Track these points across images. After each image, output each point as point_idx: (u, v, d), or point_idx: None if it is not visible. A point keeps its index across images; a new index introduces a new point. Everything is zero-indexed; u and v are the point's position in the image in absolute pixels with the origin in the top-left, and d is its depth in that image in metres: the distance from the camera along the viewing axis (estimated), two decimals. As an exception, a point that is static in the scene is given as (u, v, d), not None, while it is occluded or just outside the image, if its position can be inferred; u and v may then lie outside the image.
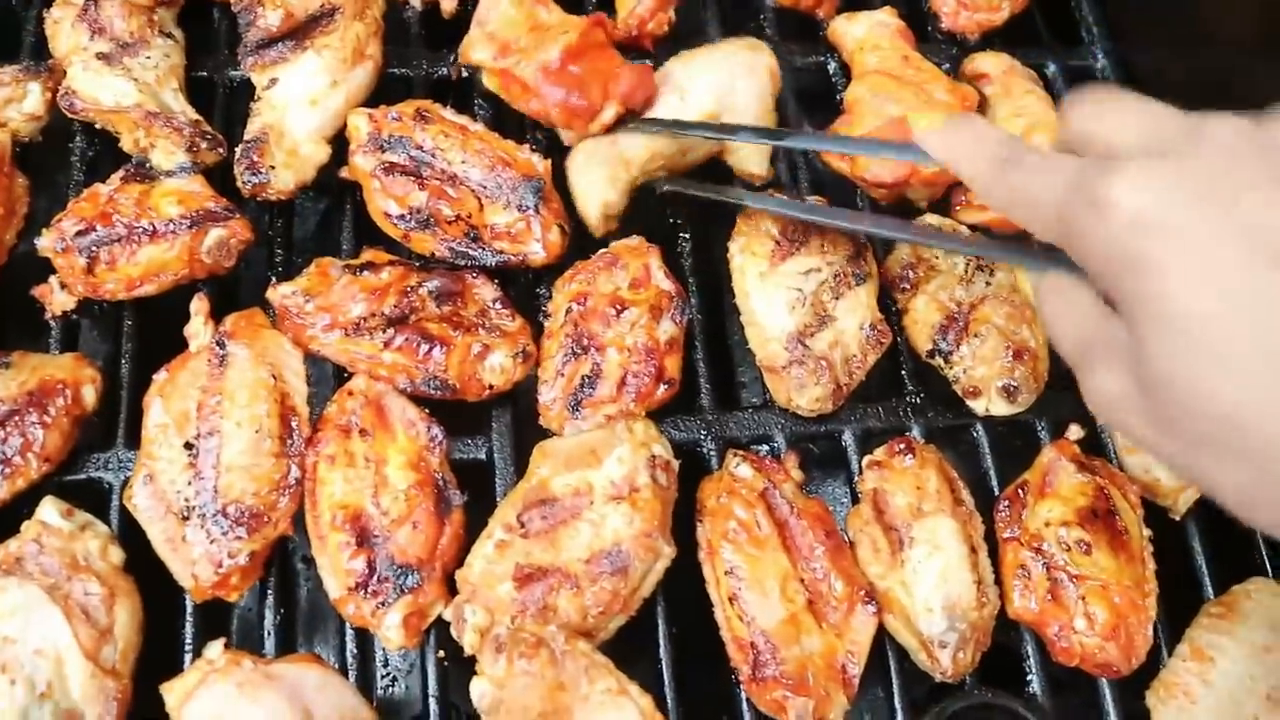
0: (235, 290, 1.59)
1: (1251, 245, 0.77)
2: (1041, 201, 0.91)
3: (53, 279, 1.48)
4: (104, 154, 1.59)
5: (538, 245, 1.47)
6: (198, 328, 1.41)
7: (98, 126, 1.56)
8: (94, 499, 1.41)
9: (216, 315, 1.44)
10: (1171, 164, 0.82)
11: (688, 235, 1.60)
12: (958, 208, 1.62)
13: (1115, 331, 0.89)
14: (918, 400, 1.53)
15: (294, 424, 1.38)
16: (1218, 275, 0.78)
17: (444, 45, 1.70)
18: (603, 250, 1.51)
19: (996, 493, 1.49)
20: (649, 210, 1.60)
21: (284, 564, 1.43)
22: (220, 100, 1.64)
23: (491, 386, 1.43)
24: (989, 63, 1.70)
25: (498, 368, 1.42)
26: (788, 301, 1.48)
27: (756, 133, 1.54)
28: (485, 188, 1.49)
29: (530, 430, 1.46)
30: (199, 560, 1.32)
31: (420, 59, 1.69)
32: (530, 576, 1.29)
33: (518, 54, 1.54)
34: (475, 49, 1.58)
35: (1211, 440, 0.81)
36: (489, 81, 1.58)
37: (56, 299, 1.48)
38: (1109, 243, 0.83)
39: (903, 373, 1.55)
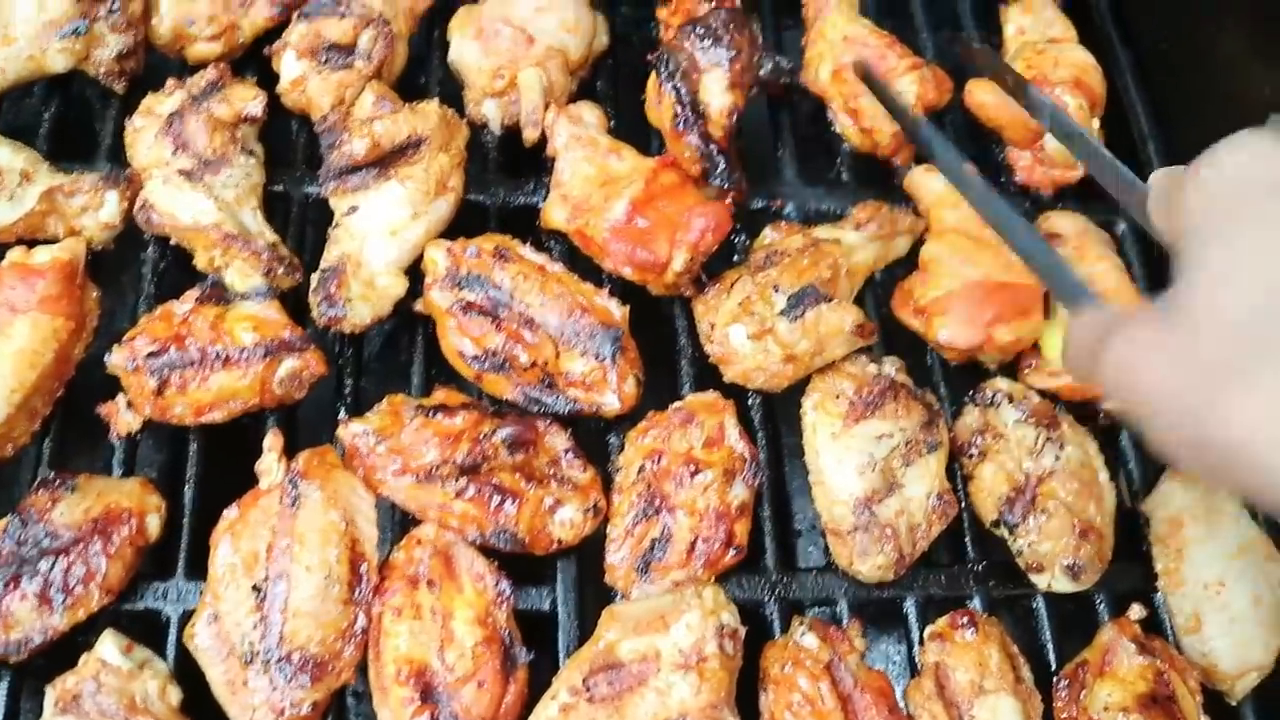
0: (296, 410, 1.58)
1: None
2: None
3: (119, 398, 1.47)
4: (175, 263, 1.58)
5: (613, 396, 1.47)
6: (270, 464, 1.40)
7: (172, 241, 1.54)
8: (151, 628, 1.39)
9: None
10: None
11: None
12: (1026, 371, 1.62)
13: (1143, 310, 0.94)
14: (980, 569, 1.53)
15: (363, 570, 1.37)
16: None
17: (522, 172, 1.69)
18: (677, 405, 1.51)
19: (1054, 666, 1.49)
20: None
21: (339, 699, 1.42)
22: (295, 217, 1.63)
23: (560, 541, 1.42)
24: (1064, 223, 1.70)
25: (568, 523, 1.42)
26: (858, 465, 1.47)
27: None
28: (562, 333, 1.48)
29: (596, 581, 1.45)
30: (259, 707, 1.30)
31: (498, 186, 1.68)
32: (594, 744, 1.29)
33: (588, 213, 1.54)
34: (552, 213, 1.58)
35: (1226, 367, 0.81)
36: (573, 238, 1.58)
37: (122, 419, 1.47)
38: (1211, 182, 0.91)
39: (966, 539, 1.55)
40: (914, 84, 1.71)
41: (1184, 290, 0.87)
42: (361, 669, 1.35)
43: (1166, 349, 0.86)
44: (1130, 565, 1.56)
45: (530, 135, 1.65)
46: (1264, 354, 0.79)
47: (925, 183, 1.70)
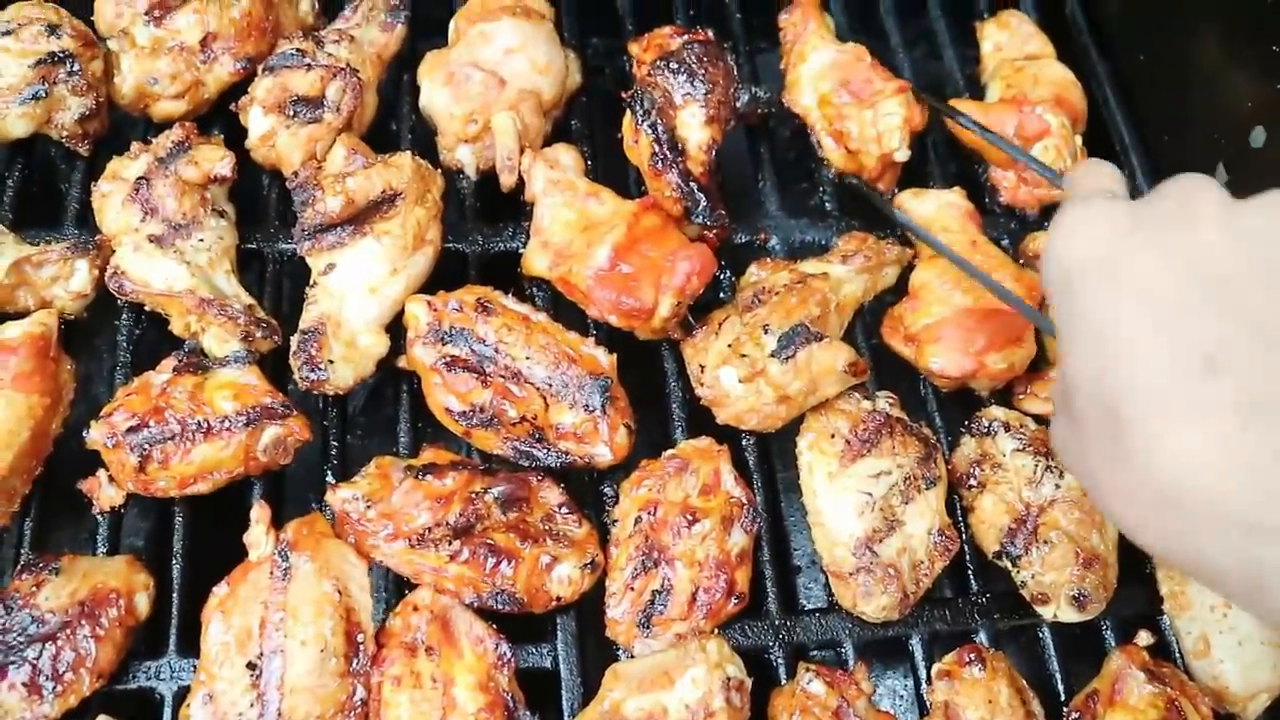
0: (284, 473, 1.54)
1: (1170, 266, 0.86)
2: None
3: (101, 473, 1.43)
4: (151, 327, 1.55)
5: (605, 448, 1.44)
6: (258, 537, 1.36)
7: (147, 308, 1.51)
8: (145, 707, 1.37)
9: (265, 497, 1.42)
10: (1118, 205, 0.93)
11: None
12: (1020, 397, 1.60)
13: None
14: (984, 601, 1.51)
15: (359, 640, 1.34)
16: (1133, 290, 0.88)
17: (500, 217, 1.66)
18: (671, 453, 1.48)
19: (1062, 696, 1.48)
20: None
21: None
22: (271, 274, 1.60)
23: (559, 598, 1.39)
24: (1050, 244, 1.68)
25: (566, 579, 1.39)
26: (857, 505, 1.45)
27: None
28: (550, 385, 1.45)
29: (596, 636, 1.43)
30: (260, 787, 1.28)
31: (476, 234, 1.65)
32: (603, 806, 1.27)
33: (570, 260, 1.51)
34: (534, 260, 1.55)
35: (1084, 446, 0.92)
36: (556, 285, 1.55)
37: (104, 494, 1.43)
38: (1048, 272, 0.97)
39: (969, 571, 1.53)
40: (900, 107, 1.68)
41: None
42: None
43: (1058, 417, 0.99)
44: (1135, 589, 1.54)
45: (507, 181, 1.62)
46: (1100, 434, 0.88)
47: (914, 208, 1.68)
